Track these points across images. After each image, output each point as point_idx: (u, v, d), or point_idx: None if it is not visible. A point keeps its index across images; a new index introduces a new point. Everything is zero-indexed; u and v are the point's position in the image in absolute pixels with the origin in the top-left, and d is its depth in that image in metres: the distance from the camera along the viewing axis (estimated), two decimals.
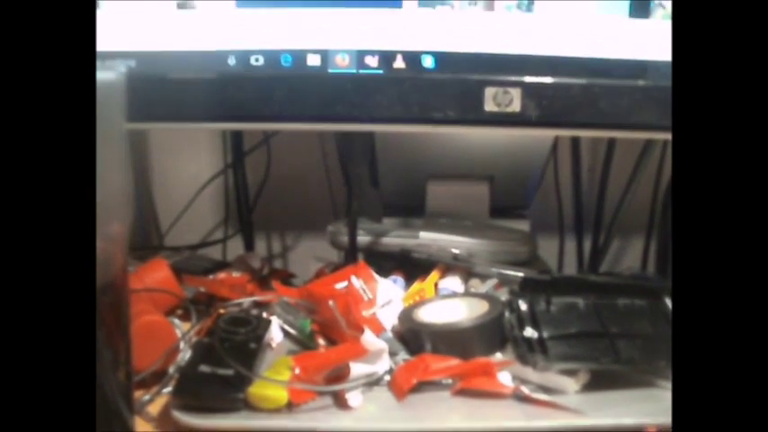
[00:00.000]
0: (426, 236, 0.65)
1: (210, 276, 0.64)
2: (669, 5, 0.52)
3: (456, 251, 0.62)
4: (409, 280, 0.60)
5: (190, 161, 0.86)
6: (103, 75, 0.27)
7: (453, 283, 0.59)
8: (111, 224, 0.29)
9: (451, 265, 0.61)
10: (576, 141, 0.82)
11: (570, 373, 0.45)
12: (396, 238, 0.65)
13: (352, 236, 0.64)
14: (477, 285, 0.59)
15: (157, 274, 0.56)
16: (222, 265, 0.69)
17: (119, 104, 0.29)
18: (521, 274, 0.58)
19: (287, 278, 0.69)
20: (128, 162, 0.30)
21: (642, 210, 0.80)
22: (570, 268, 0.85)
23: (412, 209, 0.71)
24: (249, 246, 0.85)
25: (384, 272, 0.60)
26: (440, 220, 0.69)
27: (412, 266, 0.62)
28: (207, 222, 0.88)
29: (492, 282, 0.59)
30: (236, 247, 0.84)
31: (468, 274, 0.61)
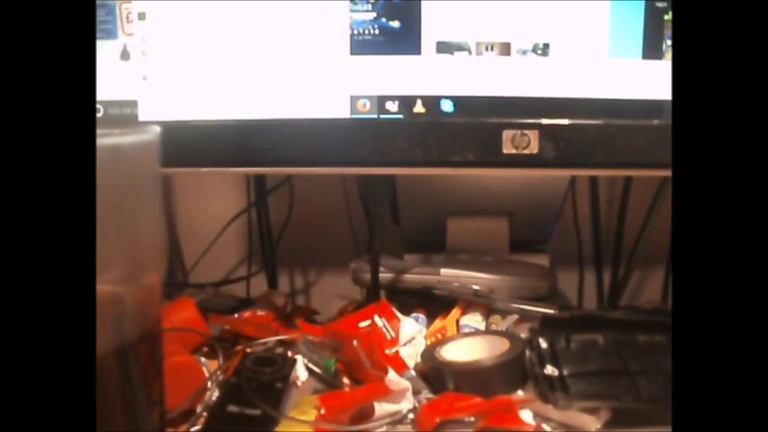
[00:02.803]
0: (447, 272, 0.66)
1: (236, 315, 0.65)
2: None
3: (477, 287, 0.63)
4: (431, 316, 0.61)
5: (214, 199, 0.88)
6: (141, 135, 0.29)
7: (474, 319, 0.60)
8: (149, 274, 0.30)
9: (472, 301, 0.62)
10: (593, 176, 0.83)
11: (591, 410, 0.45)
12: (417, 275, 0.66)
13: (375, 273, 0.65)
14: (498, 321, 0.60)
15: (185, 313, 0.57)
16: (246, 303, 0.70)
17: (154, 162, 0.30)
18: (541, 310, 0.58)
19: (310, 315, 0.70)
20: (162, 215, 0.31)
21: (661, 242, 0.80)
22: (590, 302, 0.85)
23: (432, 245, 0.72)
24: (272, 283, 0.86)
25: (406, 308, 0.61)
26: (460, 257, 0.69)
27: (433, 302, 0.63)
28: (231, 260, 0.89)
29: (512, 318, 0.60)
30: (259, 284, 0.86)
31: (488, 309, 0.62)
